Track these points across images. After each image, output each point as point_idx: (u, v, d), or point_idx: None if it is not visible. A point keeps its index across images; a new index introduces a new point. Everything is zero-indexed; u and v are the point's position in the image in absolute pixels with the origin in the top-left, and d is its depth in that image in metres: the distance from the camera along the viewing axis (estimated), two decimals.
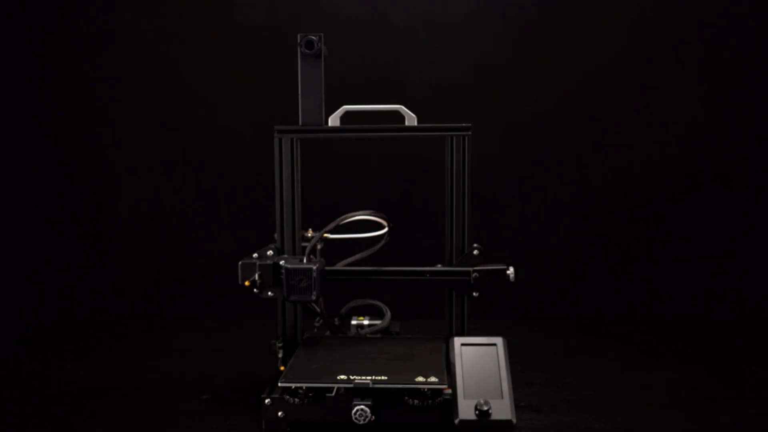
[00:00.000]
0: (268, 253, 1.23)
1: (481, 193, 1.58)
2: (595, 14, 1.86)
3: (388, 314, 1.36)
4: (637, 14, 1.86)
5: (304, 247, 1.25)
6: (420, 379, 1.07)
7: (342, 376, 1.07)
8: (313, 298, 1.15)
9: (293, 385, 1.08)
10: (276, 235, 1.26)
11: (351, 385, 1.06)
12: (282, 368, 1.20)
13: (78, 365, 1.52)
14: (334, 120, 1.25)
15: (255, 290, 1.19)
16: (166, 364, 1.52)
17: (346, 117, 1.26)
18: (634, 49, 1.86)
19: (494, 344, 1.13)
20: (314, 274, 1.14)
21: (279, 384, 1.08)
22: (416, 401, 1.07)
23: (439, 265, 1.26)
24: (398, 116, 1.25)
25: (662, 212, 1.91)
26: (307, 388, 1.08)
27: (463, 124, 1.23)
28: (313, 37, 1.22)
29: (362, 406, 1.05)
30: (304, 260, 1.18)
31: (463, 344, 1.14)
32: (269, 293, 1.19)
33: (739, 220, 1.91)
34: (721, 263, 1.92)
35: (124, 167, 1.91)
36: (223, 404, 1.26)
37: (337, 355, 1.18)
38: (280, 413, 1.10)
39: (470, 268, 1.23)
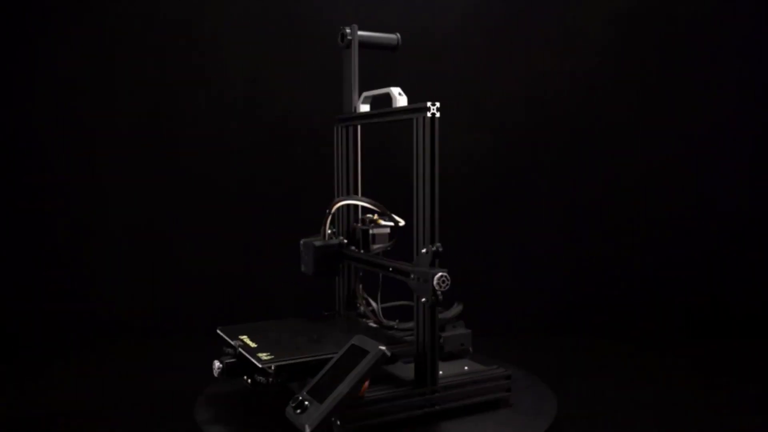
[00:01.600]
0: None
1: (470, 204, 1.58)
2: (585, 28, 1.90)
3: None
4: (628, 28, 1.90)
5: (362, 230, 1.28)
6: (263, 355, 1.06)
7: (242, 337, 1.14)
8: (310, 272, 1.24)
9: (222, 335, 1.19)
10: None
11: (235, 344, 1.13)
12: None
13: (71, 385, 1.51)
14: (364, 107, 1.30)
15: None
16: (159, 383, 1.50)
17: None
18: (622, 66, 1.90)
19: (367, 351, 1.04)
20: (311, 251, 1.23)
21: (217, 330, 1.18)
22: (261, 378, 1.07)
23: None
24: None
25: (653, 228, 1.93)
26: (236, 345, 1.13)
27: (426, 104, 1.10)
28: (346, 30, 1.27)
29: (217, 362, 1.12)
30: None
31: (353, 344, 1.07)
32: None
33: (729, 237, 1.91)
34: (711, 279, 1.93)
35: (114, 189, 1.92)
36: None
37: (296, 329, 1.24)
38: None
39: (410, 268, 1.12)
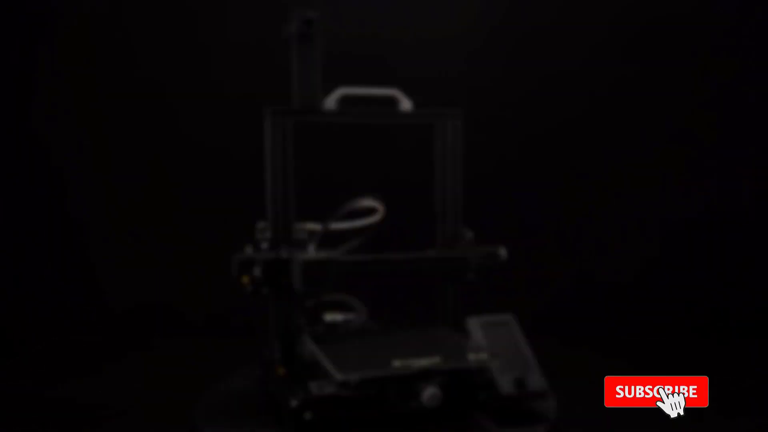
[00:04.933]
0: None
1: (471, 206, 1.56)
2: (590, 29, 1.90)
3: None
4: (632, 31, 1.90)
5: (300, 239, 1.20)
6: None
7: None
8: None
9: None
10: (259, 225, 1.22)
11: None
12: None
13: (71, 385, 1.50)
14: (330, 104, 1.20)
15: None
16: (159, 383, 1.49)
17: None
18: (625, 68, 1.91)
19: None
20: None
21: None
22: None
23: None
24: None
25: (653, 229, 1.93)
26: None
27: (453, 110, 1.20)
28: (310, 16, 1.19)
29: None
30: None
31: None
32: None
33: (730, 238, 1.92)
34: (712, 280, 1.92)
35: (115, 188, 1.92)
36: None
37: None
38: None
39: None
